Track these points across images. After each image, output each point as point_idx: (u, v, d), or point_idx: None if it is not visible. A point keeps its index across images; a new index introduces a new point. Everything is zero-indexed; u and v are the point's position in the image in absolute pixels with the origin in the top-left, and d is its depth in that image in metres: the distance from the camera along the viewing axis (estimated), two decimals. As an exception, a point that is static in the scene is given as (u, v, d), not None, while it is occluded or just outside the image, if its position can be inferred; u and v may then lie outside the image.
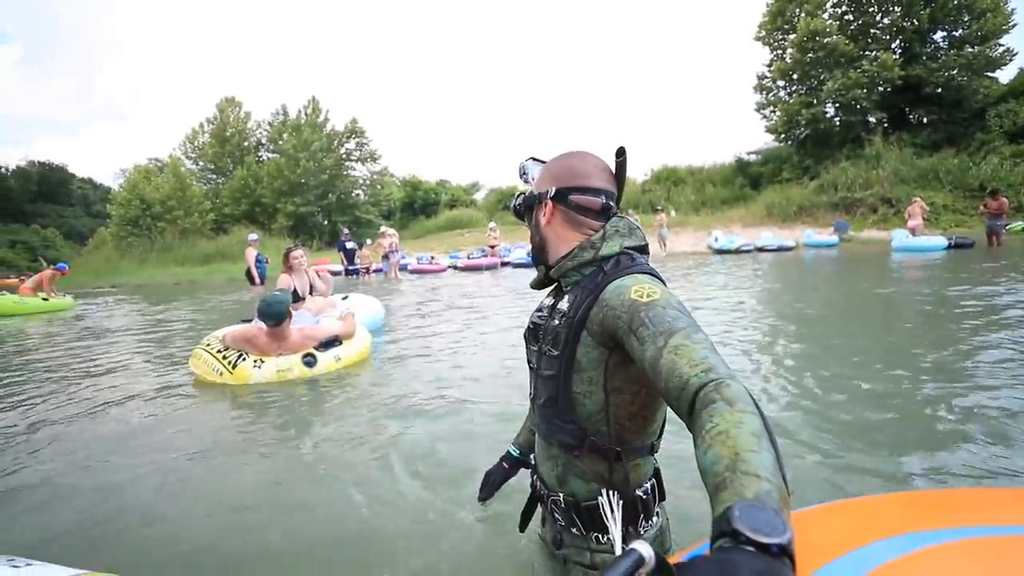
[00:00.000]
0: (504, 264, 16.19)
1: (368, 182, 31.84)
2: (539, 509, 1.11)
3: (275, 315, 3.79)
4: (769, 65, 22.66)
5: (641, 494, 0.92)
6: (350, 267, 15.75)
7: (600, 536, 0.93)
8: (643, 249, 0.97)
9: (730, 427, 0.55)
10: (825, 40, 20.12)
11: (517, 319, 5.88)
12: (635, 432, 0.91)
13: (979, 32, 19.04)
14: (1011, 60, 19.42)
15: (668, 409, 0.94)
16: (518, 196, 1.07)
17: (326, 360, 3.98)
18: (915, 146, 19.19)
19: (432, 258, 17.35)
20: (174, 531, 1.90)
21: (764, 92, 23.06)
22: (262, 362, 3.80)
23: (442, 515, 1.88)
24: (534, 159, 1.09)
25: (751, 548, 0.41)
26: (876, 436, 2.33)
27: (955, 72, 19.27)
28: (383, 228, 16.66)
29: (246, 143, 31.79)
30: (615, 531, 0.86)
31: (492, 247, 16.86)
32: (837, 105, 20.79)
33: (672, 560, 0.48)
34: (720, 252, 15.91)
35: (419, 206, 33.82)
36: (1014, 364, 3.20)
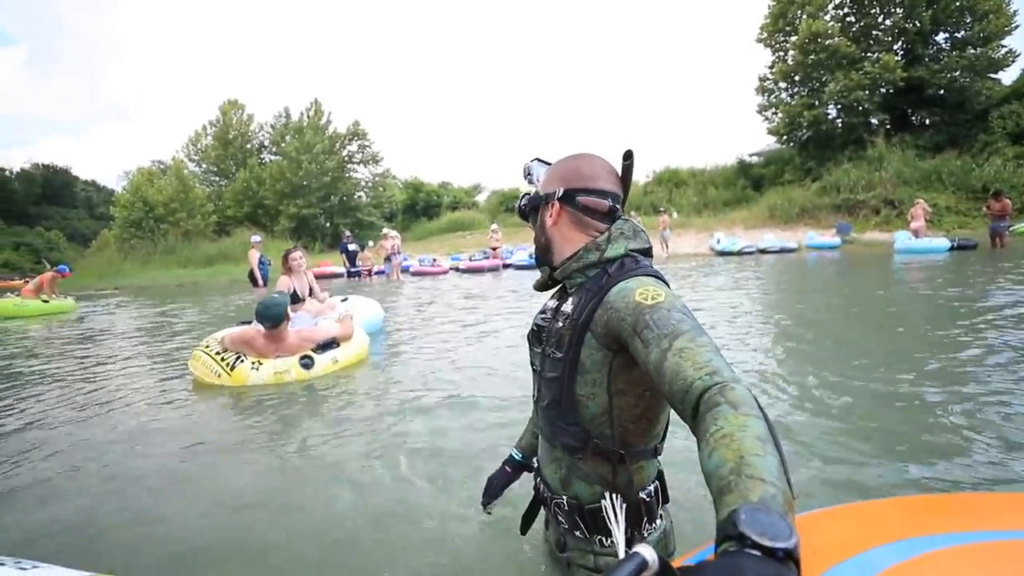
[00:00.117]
0: (506, 266, 16.18)
1: (370, 184, 31.90)
2: (542, 512, 1.11)
3: (272, 317, 3.81)
4: (771, 67, 22.66)
5: (644, 497, 0.92)
6: (352, 269, 15.78)
7: (604, 539, 0.92)
8: (647, 252, 0.97)
9: (735, 430, 0.55)
10: (827, 42, 20.11)
11: (519, 321, 5.88)
12: (639, 435, 0.91)
13: (981, 33, 19.01)
14: (1014, 61, 19.41)
15: (672, 412, 0.94)
16: (523, 196, 1.07)
17: (323, 362, 3.99)
18: (918, 148, 19.15)
19: (434, 260, 17.36)
20: (172, 532, 1.91)
21: (766, 94, 23.05)
22: (260, 364, 3.82)
23: (441, 517, 1.87)
24: (539, 160, 1.09)
25: (757, 552, 0.41)
26: (878, 440, 2.32)
27: (957, 73, 19.24)
28: (385, 230, 16.68)
29: (249, 145, 31.90)
30: (618, 534, 0.86)
31: (494, 249, 16.86)
32: (839, 107, 20.76)
33: (676, 563, 0.48)
34: (722, 254, 15.89)
35: (421, 208, 33.86)
36: (1018, 367, 3.18)
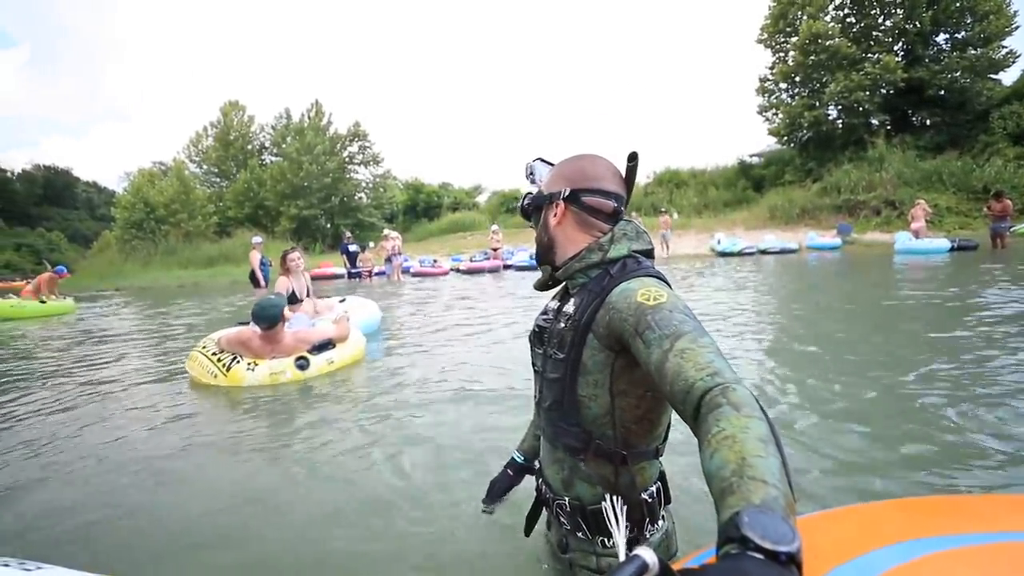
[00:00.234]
0: (506, 267, 16.18)
1: (371, 185, 31.93)
2: (544, 513, 1.11)
3: (268, 318, 3.83)
4: (771, 68, 22.66)
5: (647, 498, 0.92)
6: (353, 270, 15.78)
7: (606, 540, 0.93)
8: (649, 253, 0.98)
9: (737, 432, 0.55)
10: (827, 42, 20.11)
11: (518, 322, 5.88)
12: (640, 435, 0.91)
13: (982, 34, 19.00)
14: (1014, 62, 19.40)
15: (673, 412, 0.94)
16: (526, 196, 1.07)
17: (319, 363, 4.01)
18: (918, 148, 19.14)
19: (434, 261, 17.36)
20: (169, 531, 1.91)
21: (766, 95, 23.04)
22: (256, 365, 3.84)
23: (441, 518, 1.87)
24: (541, 160, 1.10)
25: (759, 555, 0.41)
26: (879, 441, 2.32)
27: (958, 74, 19.23)
28: (386, 231, 16.68)
29: (249, 146, 31.94)
30: (619, 537, 0.86)
31: (494, 250, 16.86)
32: (839, 107, 20.76)
33: (676, 566, 0.48)
34: (723, 255, 15.88)
35: (421, 209, 33.89)
36: (1019, 368, 3.18)
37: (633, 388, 0.88)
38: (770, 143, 24.60)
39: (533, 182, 1.09)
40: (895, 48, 20.55)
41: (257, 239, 10.41)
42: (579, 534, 0.96)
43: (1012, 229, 12.20)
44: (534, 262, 1.13)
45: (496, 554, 1.63)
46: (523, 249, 17.76)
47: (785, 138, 22.69)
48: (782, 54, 22.31)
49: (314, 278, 16.35)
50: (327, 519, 1.93)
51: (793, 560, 0.41)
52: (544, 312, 1.06)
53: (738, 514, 0.44)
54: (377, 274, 15.95)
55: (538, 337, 1.04)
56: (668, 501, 0.99)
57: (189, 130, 46.40)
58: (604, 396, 0.89)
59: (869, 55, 20.17)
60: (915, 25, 19.75)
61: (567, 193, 0.97)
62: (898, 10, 20.06)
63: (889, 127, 20.62)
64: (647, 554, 0.47)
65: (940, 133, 19.88)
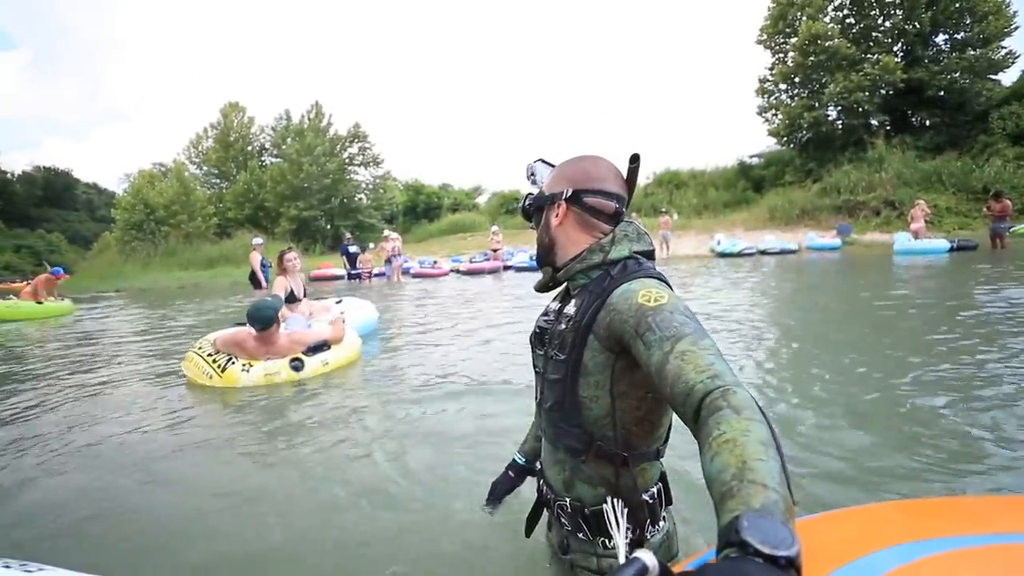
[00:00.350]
0: (506, 268, 16.18)
1: (371, 186, 31.95)
2: (545, 514, 1.11)
3: (262, 320, 3.85)
4: (771, 68, 22.67)
5: (648, 499, 0.92)
6: (352, 271, 15.78)
7: (607, 541, 0.93)
8: (650, 254, 0.98)
9: (737, 435, 0.55)
10: (826, 43, 20.13)
11: (518, 323, 5.88)
12: (641, 437, 0.91)
13: (981, 35, 19.02)
14: (1013, 63, 19.42)
15: (674, 414, 0.95)
16: (528, 196, 1.07)
17: (313, 364, 4.03)
18: (918, 149, 19.14)
19: (434, 262, 17.36)
20: (164, 531, 1.91)
21: (766, 95, 23.06)
22: (250, 366, 3.86)
23: (440, 518, 1.87)
24: (542, 161, 1.10)
25: (759, 560, 0.41)
26: (879, 443, 2.32)
27: (957, 75, 19.24)
28: (386, 232, 16.67)
29: (249, 148, 31.97)
30: (619, 539, 0.86)
31: (495, 251, 16.85)
32: (839, 108, 20.77)
33: (677, 568, 0.48)
34: (722, 255, 15.87)
35: (421, 210, 33.90)
36: (1019, 369, 3.18)
37: (634, 390, 0.88)
38: (770, 144, 24.63)
39: (534, 183, 1.10)
40: (894, 49, 20.57)
41: (258, 240, 10.42)
42: (580, 535, 0.96)
43: (1011, 229, 12.21)
44: (534, 263, 1.13)
45: (497, 555, 1.63)
46: (523, 250, 17.76)
47: (785, 139, 22.70)
48: (781, 55, 22.33)
49: (314, 279, 16.51)
50: (322, 519, 1.93)
51: (792, 564, 0.41)
52: (545, 313, 1.06)
53: (738, 518, 0.45)
54: (377, 275, 15.94)
55: (539, 338, 1.04)
56: (669, 502, 0.99)
57: (189, 131, 46.48)
58: (605, 397, 0.89)
59: (868, 56, 20.19)
60: (914, 26, 19.76)
61: (569, 194, 0.97)
62: (897, 11, 20.08)
63: (889, 128, 20.63)
64: (647, 556, 0.47)
65: (939, 134, 19.89)
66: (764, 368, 3.58)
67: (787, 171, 22.15)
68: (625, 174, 1.00)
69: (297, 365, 3.95)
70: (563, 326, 0.94)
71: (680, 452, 1.92)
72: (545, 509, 1.08)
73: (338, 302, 5.79)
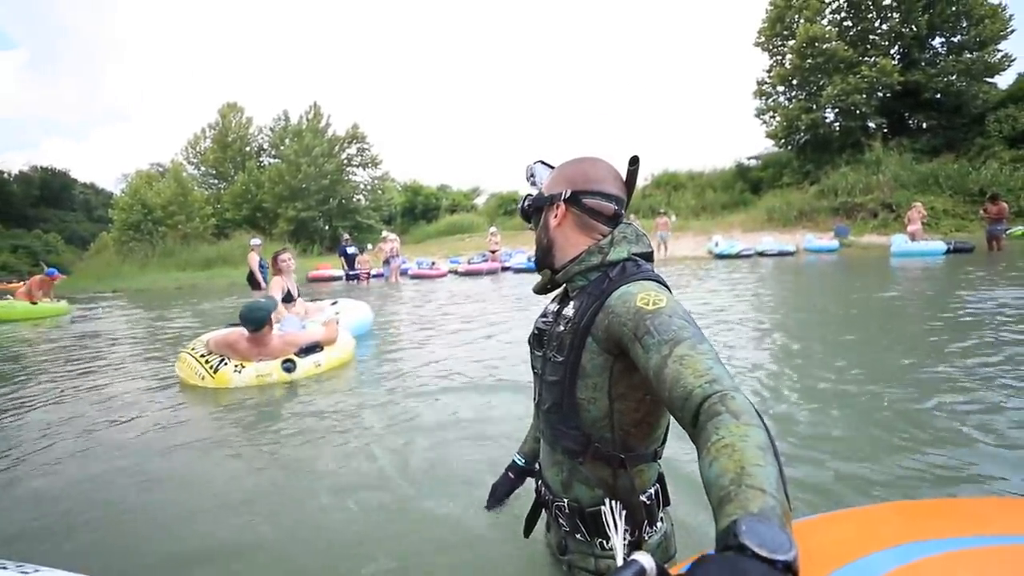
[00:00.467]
0: (504, 269, 16.18)
1: (369, 187, 31.90)
2: (544, 514, 1.11)
3: (254, 321, 3.86)
4: (769, 71, 22.74)
5: (645, 500, 0.92)
6: (350, 272, 15.76)
7: (605, 542, 0.93)
8: (649, 256, 0.98)
9: (736, 440, 0.56)
10: (824, 46, 20.20)
11: (516, 324, 5.88)
12: (639, 439, 0.91)
13: (977, 38, 19.11)
14: (1009, 65, 19.50)
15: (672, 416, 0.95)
16: (527, 197, 1.08)
17: (305, 365, 4.03)
18: (915, 151, 19.23)
19: (433, 263, 17.34)
20: (156, 532, 1.91)
21: (764, 97, 23.12)
22: (242, 367, 3.87)
23: (438, 519, 1.86)
24: (542, 163, 1.10)
25: (757, 562, 0.41)
26: (876, 444, 2.32)
27: (954, 77, 19.32)
28: (384, 233, 16.65)
29: (248, 148, 31.90)
30: (617, 541, 0.86)
31: (493, 252, 16.85)
32: (837, 110, 20.84)
33: (674, 570, 0.48)
34: (720, 257, 15.89)
35: (420, 211, 33.89)
36: (1016, 370, 3.19)
37: (632, 392, 0.88)
38: (767, 146, 24.69)
39: (534, 184, 1.10)
40: (891, 51, 20.64)
41: (256, 241, 10.39)
42: (578, 536, 0.96)
43: (1008, 231, 12.27)
44: (532, 264, 1.13)
45: (495, 555, 1.62)
46: (521, 251, 17.76)
47: (782, 141, 22.76)
48: (779, 57, 22.39)
49: (312, 280, 16.44)
50: (313, 519, 1.93)
51: (790, 569, 0.41)
52: (544, 315, 1.06)
53: (736, 522, 0.45)
54: (375, 276, 15.93)
55: (538, 340, 1.04)
56: (667, 503, 0.99)
57: (187, 132, 46.34)
58: (603, 399, 0.89)
59: (866, 58, 20.26)
60: (911, 29, 19.85)
61: (568, 194, 0.98)
62: (894, 14, 20.17)
63: (886, 130, 20.70)
64: (645, 559, 0.47)
65: (936, 136, 19.97)
66: (761, 370, 3.58)
67: (785, 173, 22.21)
68: (624, 176, 1.00)
69: (289, 366, 3.96)
70: (561, 328, 0.95)
71: (679, 453, 1.92)
72: (543, 510, 1.08)
73: (333, 303, 5.79)
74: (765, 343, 4.44)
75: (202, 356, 3.95)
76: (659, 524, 0.96)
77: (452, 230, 27.53)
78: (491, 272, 15.62)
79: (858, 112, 20.22)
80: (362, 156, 31.16)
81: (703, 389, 0.65)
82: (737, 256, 15.58)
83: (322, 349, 4.21)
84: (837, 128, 21.27)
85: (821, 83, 20.76)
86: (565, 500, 0.96)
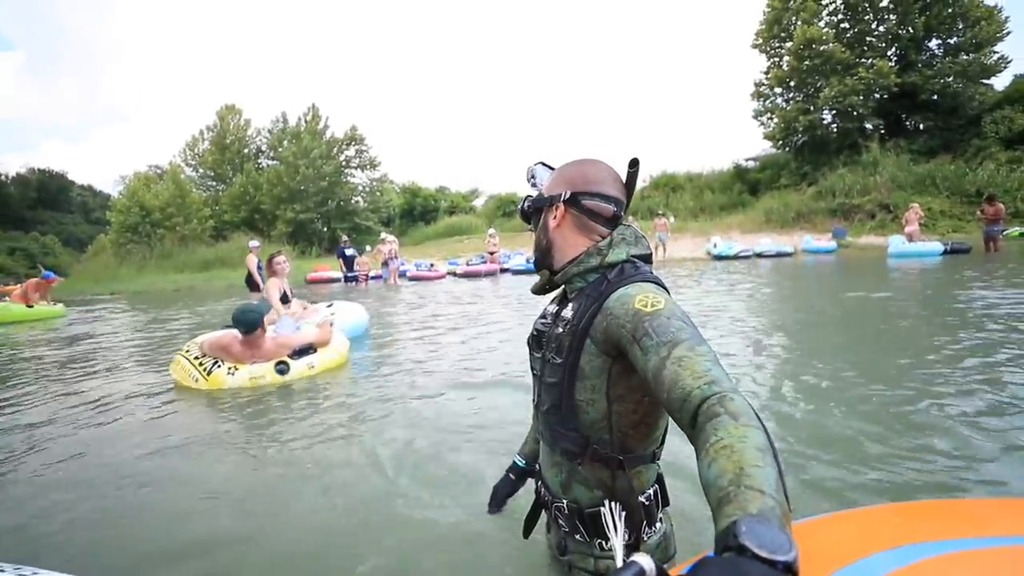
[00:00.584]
0: (503, 271, 16.18)
1: (367, 189, 31.90)
2: (544, 515, 1.11)
3: (247, 323, 3.88)
4: (766, 72, 22.81)
5: (644, 501, 0.92)
6: (349, 274, 15.74)
7: (604, 543, 0.93)
8: (648, 258, 0.98)
9: (735, 441, 0.56)
10: (821, 48, 20.27)
11: (514, 325, 5.88)
12: (638, 440, 0.91)
13: (974, 40, 19.20)
14: (1006, 67, 19.62)
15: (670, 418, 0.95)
16: (527, 198, 1.07)
17: (299, 368, 4.05)
18: (912, 152, 19.30)
19: (431, 265, 17.34)
20: (150, 532, 1.91)
21: (762, 99, 23.19)
22: (236, 369, 3.88)
23: (437, 520, 1.86)
24: (543, 164, 1.10)
25: (757, 563, 0.41)
26: (876, 445, 2.32)
27: (950, 79, 19.41)
28: (383, 235, 16.64)
29: (246, 150, 31.86)
30: (616, 542, 0.86)
31: (491, 254, 16.85)
32: (834, 112, 20.92)
33: (673, 572, 0.48)
34: (719, 258, 15.92)
35: (418, 213, 33.89)
36: (1014, 371, 3.20)
37: (630, 393, 0.88)
38: (765, 147, 24.76)
39: (534, 185, 1.10)
40: (888, 53, 20.72)
41: (254, 243, 10.36)
42: (577, 536, 0.96)
43: (1004, 232, 12.31)
44: (531, 266, 1.13)
45: (495, 555, 1.62)
46: (520, 253, 17.76)
47: (780, 142, 22.83)
48: (777, 59, 22.47)
49: (310, 282, 16.41)
50: (307, 519, 1.93)
51: (790, 569, 0.41)
52: (543, 316, 1.06)
53: (735, 523, 0.45)
54: (374, 278, 15.91)
55: (536, 341, 1.04)
56: (666, 504, 0.99)
57: (185, 134, 46.26)
58: (601, 401, 0.89)
59: (863, 60, 20.34)
60: (908, 31, 19.94)
61: (567, 196, 0.98)
62: (891, 16, 20.26)
63: (883, 131, 20.78)
64: (644, 560, 0.47)
65: (933, 137, 20.05)
66: (760, 371, 3.59)
67: (783, 174, 22.27)
68: (624, 178, 1.00)
69: (282, 368, 3.97)
70: (560, 330, 0.94)
71: (677, 453, 1.92)
72: (543, 510, 1.08)
73: (328, 305, 5.79)
74: (763, 344, 4.44)
75: (196, 358, 3.96)
76: (658, 525, 0.96)
77: (451, 232, 27.53)
78: (490, 274, 15.61)
79: (855, 113, 20.29)
80: (360, 158, 31.15)
81: (702, 390, 0.65)
82: (735, 257, 15.61)
83: (315, 351, 4.22)
84: (834, 129, 21.35)
85: (818, 85, 20.84)
86: (564, 501, 0.96)
